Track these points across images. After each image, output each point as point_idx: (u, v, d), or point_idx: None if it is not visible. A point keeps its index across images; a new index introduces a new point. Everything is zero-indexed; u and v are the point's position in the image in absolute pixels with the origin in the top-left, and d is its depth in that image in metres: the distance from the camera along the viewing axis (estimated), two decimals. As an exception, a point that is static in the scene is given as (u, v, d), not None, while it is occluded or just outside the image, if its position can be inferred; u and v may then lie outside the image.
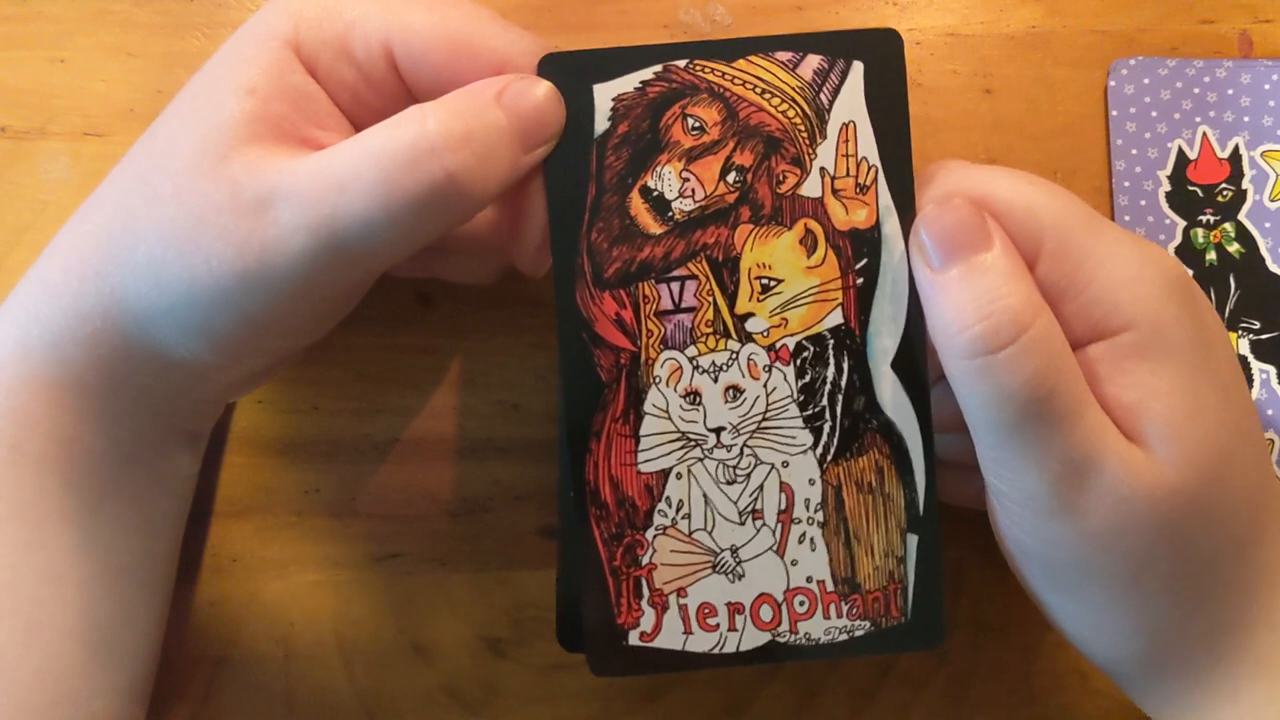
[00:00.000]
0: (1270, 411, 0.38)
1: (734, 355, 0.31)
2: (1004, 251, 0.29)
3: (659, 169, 0.31)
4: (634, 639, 0.32)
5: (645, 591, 0.32)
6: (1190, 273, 0.38)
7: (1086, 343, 0.30)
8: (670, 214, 0.31)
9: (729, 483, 0.32)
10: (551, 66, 0.30)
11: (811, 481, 0.32)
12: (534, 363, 0.38)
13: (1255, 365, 0.38)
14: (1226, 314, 0.38)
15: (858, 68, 0.31)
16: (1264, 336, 0.38)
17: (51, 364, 0.30)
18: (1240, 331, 0.38)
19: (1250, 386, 0.38)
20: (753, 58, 0.31)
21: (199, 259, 0.28)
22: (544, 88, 0.30)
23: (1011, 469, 0.29)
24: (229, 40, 0.31)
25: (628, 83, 0.31)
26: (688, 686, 0.38)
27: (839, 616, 0.32)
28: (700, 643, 0.32)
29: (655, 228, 0.31)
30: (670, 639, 0.32)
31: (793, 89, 0.31)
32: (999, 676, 0.38)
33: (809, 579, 0.32)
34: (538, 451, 0.38)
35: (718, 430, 0.31)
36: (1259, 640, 0.30)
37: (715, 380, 0.31)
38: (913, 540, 0.32)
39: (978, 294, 0.28)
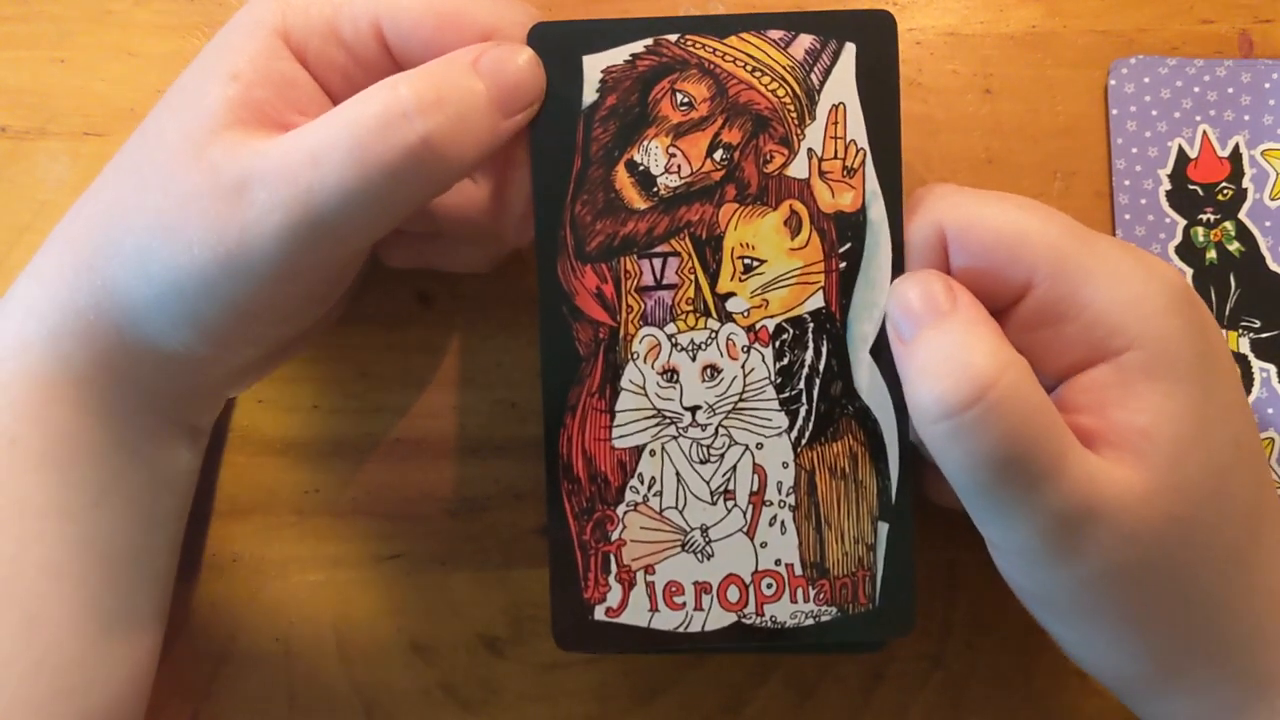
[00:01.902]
0: (1270, 410, 0.38)
1: (713, 334, 0.31)
2: (966, 310, 0.29)
3: (646, 143, 0.31)
4: (600, 614, 0.32)
5: (613, 567, 0.32)
6: (1190, 272, 0.38)
7: (1091, 363, 0.29)
8: (655, 189, 0.31)
9: (702, 462, 0.31)
10: (541, 36, 0.30)
11: (785, 464, 0.32)
12: (533, 361, 0.38)
13: (1255, 364, 0.38)
14: (1226, 313, 0.38)
15: (850, 49, 0.31)
16: (1264, 335, 0.38)
17: (49, 358, 0.30)
18: (1240, 330, 0.38)
19: (1250, 386, 0.38)
20: (745, 35, 0.31)
21: (181, 246, 0.28)
22: (524, 54, 0.30)
23: (1000, 526, 0.29)
24: (219, 32, 0.31)
25: (618, 55, 0.31)
26: (684, 686, 0.38)
27: (806, 601, 0.32)
28: (666, 621, 0.32)
29: (640, 203, 0.31)
30: (636, 616, 0.32)
31: (783, 68, 0.31)
32: (996, 677, 0.38)
33: (777, 562, 0.32)
34: (537, 450, 0.38)
35: (693, 409, 0.31)
36: (1263, 659, 0.30)
37: (693, 359, 0.31)
38: (883, 528, 0.32)
39: (938, 356, 0.28)
